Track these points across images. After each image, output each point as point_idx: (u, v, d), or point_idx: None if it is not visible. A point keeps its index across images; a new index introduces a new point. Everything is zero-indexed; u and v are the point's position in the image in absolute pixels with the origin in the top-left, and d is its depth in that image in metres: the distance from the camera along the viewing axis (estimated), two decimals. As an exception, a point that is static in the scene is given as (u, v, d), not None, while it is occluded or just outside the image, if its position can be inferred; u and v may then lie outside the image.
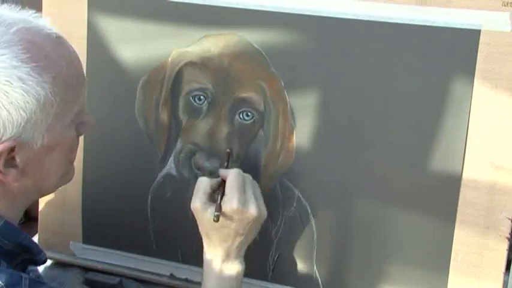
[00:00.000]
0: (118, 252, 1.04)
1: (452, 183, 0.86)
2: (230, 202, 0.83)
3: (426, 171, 0.87)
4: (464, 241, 0.86)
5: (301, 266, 0.95)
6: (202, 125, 0.95)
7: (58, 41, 0.73)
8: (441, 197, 0.86)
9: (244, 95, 0.92)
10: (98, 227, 1.04)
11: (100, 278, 1.03)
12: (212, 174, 0.94)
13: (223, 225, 0.83)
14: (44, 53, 0.70)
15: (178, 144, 0.97)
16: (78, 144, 0.80)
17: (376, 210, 0.90)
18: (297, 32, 0.89)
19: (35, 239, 1.08)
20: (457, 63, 0.83)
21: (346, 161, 0.90)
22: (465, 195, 0.85)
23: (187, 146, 0.96)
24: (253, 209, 0.83)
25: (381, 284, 0.92)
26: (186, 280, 1.01)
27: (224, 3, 0.91)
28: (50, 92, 0.69)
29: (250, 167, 0.94)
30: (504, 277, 0.86)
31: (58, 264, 1.07)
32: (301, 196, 0.93)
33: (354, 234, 0.92)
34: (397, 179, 0.88)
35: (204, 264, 0.87)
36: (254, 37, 0.90)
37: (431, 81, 0.84)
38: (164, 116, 0.97)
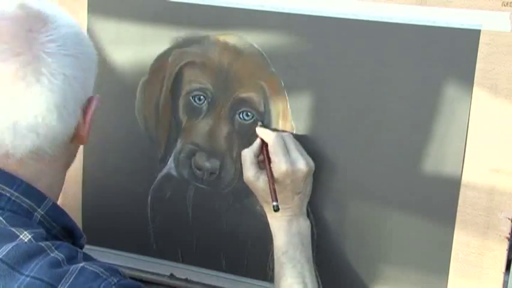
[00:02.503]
0: (118, 252, 1.04)
1: (452, 183, 0.85)
2: (278, 167, 0.85)
3: (426, 171, 0.87)
4: (464, 241, 0.86)
5: (301, 266, 0.95)
6: (202, 125, 0.95)
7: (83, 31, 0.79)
8: (441, 197, 0.86)
9: (244, 95, 0.92)
10: (98, 227, 1.04)
11: (100, 278, 1.03)
12: (212, 174, 0.94)
13: (279, 190, 0.85)
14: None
15: (178, 144, 0.97)
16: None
17: (376, 210, 0.90)
18: (297, 32, 0.89)
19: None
20: (457, 63, 0.83)
21: (345, 161, 0.90)
22: (465, 195, 0.85)
23: (187, 146, 0.96)
24: (303, 166, 0.86)
25: (381, 284, 0.92)
26: (186, 280, 1.01)
27: (224, 3, 0.91)
28: (75, 79, 0.71)
29: (250, 167, 0.94)
30: (504, 277, 0.86)
31: (58, 264, 1.07)
32: (301, 196, 0.93)
33: (354, 234, 0.92)
34: (397, 179, 0.88)
35: (270, 228, 0.89)
36: (254, 37, 0.90)
37: (431, 81, 0.84)
38: (164, 116, 0.97)
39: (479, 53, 0.81)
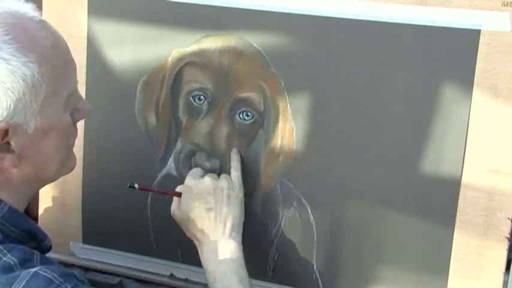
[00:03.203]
0: (118, 252, 1.04)
1: (452, 183, 0.85)
2: (185, 183, 0.90)
3: (426, 171, 0.87)
4: (464, 241, 0.86)
5: (301, 266, 0.95)
6: (202, 125, 0.95)
7: (41, 24, 0.74)
8: (441, 197, 0.86)
9: (244, 95, 0.92)
10: (98, 227, 1.04)
11: (100, 278, 1.03)
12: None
13: (191, 209, 0.88)
14: (27, 34, 0.71)
15: (178, 144, 0.97)
16: (75, 132, 0.80)
17: (376, 211, 0.90)
18: (297, 32, 0.89)
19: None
20: (457, 63, 0.83)
21: (346, 161, 0.90)
22: (465, 195, 0.85)
23: (187, 146, 0.96)
24: (208, 180, 0.88)
25: (382, 284, 0.92)
26: (186, 280, 1.01)
27: (224, 3, 0.91)
28: (36, 72, 0.70)
29: (250, 167, 0.94)
30: (504, 277, 0.86)
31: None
32: (301, 196, 0.93)
33: (354, 234, 0.92)
34: (397, 179, 0.88)
35: (202, 263, 0.88)
36: (254, 37, 0.90)
37: (431, 81, 0.84)
38: (164, 116, 0.97)
39: (479, 53, 0.81)
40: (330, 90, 0.89)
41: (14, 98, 0.69)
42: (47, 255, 0.77)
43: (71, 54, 0.77)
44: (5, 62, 0.68)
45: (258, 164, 0.94)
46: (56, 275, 0.67)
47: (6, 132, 0.70)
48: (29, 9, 0.74)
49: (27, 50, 0.70)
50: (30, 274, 0.66)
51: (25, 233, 0.75)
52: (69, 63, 0.76)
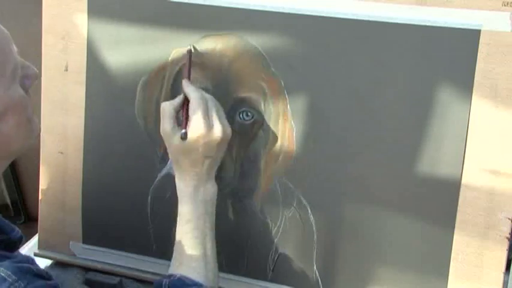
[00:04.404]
0: (118, 252, 1.04)
1: (452, 183, 0.86)
2: (195, 126, 0.84)
3: (426, 171, 0.87)
4: (464, 241, 0.86)
5: (301, 266, 0.95)
6: (202, 125, 0.95)
7: None
8: (441, 197, 0.86)
9: (244, 95, 0.92)
10: (98, 227, 1.04)
11: (100, 278, 1.03)
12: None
13: (191, 150, 0.85)
14: None
15: (178, 144, 0.97)
16: (30, 99, 0.78)
17: (376, 211, 0.90)
18: (297, 32, 0.89)
19: (35, 238, 1.09)
20: (457, 63, 0.83)
21: (345, 161, 0.90)
22: (465, 195, 0.85)
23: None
24: (219, 131, 0.85)
25: (381, 284, 0.92)
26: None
27: (224, 3, 0.91)
28: None
29: (250, 167, 0.94)
30: (504, 277, 0.86)
31: (58, 264, 1.07)
32: (301, 196, 0.93)
33: (354, 234, 0.92)
34: (397, 179, 0.88)
35: (177, 191, 0.88)
36: (254, 37, 0.90)
37: (431, 81, 0.84)
38: (164, 116, 0.97)
39: (479, 53, 0.81)
40: (330, 90, 0.89)
41: None
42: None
43: (2, 28, 0.74)
44: None
45: (258, 164, 0.94)
46: (10, 272, 0.66)
47: None
48: None
49: None
50: None
51: None
52: (4, 38, 0.73)
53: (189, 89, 0.88)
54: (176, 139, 0.85)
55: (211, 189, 0.88)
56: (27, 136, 0.77)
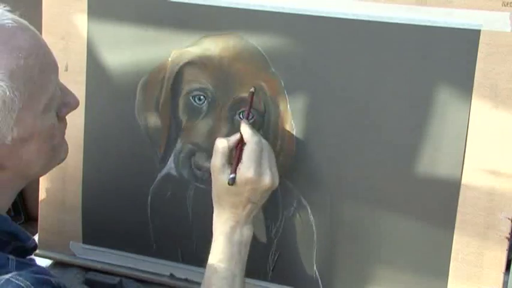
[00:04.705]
0: (118, 252, 1.04)
1: (452, 183, 0.86)
2: (246, 171, 0.83)
3: (426, 171, 0.87)
4: (464, 241, 0.86)
5: (301, 266, 0.95)
6: (202, 125, 0.95)
7: (12, 32, 0.70)
8: (441, 197, 0.86)
9: (244, 95, 0.92)
10: (98, 227, 1.04)
11: (100, 278, 1.03)
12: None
13: (236, 193, 0.84)
14: None
15: (178, 144, 0.97)
16: (62, 127, 0.79)
17: (376, 211, 0.90)
18: (297, 32, 0.89)
19: (35, 238, 1.09)
20: (457, 63, 0.83)
21: (345, 161, 0.90)
22: (465, 195, 0.85)
23: (187, 146, 0.96)
24: (268, 180, 0.84)
25: (381, 284, 0.92)
26: (186, 280, 1.01)
27: (224, 3, 0.91)
28: (8, 89, 0.68)
29: (250, 167, 0.94)
30: (504, 277, 0.86)
31: (58, 264, 1.07)
32: (301, 196, 0.93)
33: (354, 234, 0.92)
34: (397, 179, 0.88)
35: (213, 229, 0.87)
36: (254, 37, 0.90)
37: (431, 82, 0.84)
38: (164, 116, 0.97)
39: (479, 53, 0.81)
40: (330, 90, 0.89)
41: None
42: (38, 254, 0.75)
43: (50, 56, 0.75)
44: None
45: (258, 164, 0.94)
46: (29, 283, 0.65)
47: None
48: (1, 14, 0.70)
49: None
50: (2, 281, 0.64)
51: (8, 234, 0.75)
52: (47, 68, 0.74)
53: (247, 132, 0.86)
54: (224, 177, 0.84)
55: (247, 232, 0.87)
56: (48, 163, 0.79)
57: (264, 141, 0.87)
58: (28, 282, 0.66)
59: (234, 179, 0.83)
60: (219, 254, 0.86)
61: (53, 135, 0.77)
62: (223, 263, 0.85)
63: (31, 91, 0.71)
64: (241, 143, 0.87)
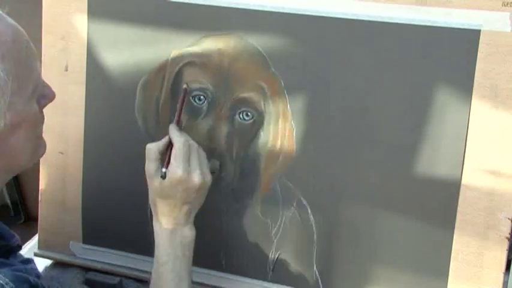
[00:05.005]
0: (118, 252, 1.04)
1: (453, 183, 0.86)
2: (175, 171, 0.84)
3: (426, 171, 0.87)
4: (464, 241, 0.86)
5: (301, 266, 0.95)
6: (202, 125, 0.95)
7: None
8: (441, 197, 0.86)
9: (244, 95, 0.92)
10: (98, 227, 1.04)
11: (100, 278, 1.03)
12: (212, 174, 0.94)
13: (169, 195, 0.85)
14: None
15: (178, 144, 0.97)
16: (43, 119, 0.79)
17: (376, 211, 0.90)
18: (297, 32, 0.89)
19: (35, 238, 1.09)
20: (457, 63, 0.83)
21: (346, 161, 0.90)
22: (465, 195, 0.85)
23: (187, 146, 0.96)
24: (197, 178, 0.84)
25: (381, 284, 0.92)
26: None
27: (224, 3, 0.91)
28: (2, 71, 0.68)
29: (250, 167, 0.94)
30: (504, 277, 0.86)
31: (58, 264, 1.07)
32: (301, 196, 0.93)
33: (354, 234, 0.92)
34: (397, 179, 0.88)
35: (154, 235, 0.87)
36: (254, 37, 0.90)
37: (431, 82, 0.84)
38: (164, 116, 0.97)
39: (479, 53, 0.81)
40: (330, 90, 0.89)
41: None
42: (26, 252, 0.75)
43: (31, 45, 0.75)
44: None
45: (258, 164, 0.94)
46: (8, 280, 0.66)
47: None
48: None
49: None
50: None
51: None
52: (31, 54, 0.74)
53: (174, 134, 0.87)
54: (156, 181, 0.85)
55: (188, 232, 0.87)
56: (33, 153, 0.79)
57: (191, 141, 0.87)
58: (8, 280, 0.66)
59: (165, 173, 0.84)
60: (162, 257, 0.86)
61: (37, 123, 0.77)
62: (168, 265, 0.85)
63: (21, 75, 0.71)
64: (171, 146, 0.87)
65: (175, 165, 0.84)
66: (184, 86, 0.92)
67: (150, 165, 0.86)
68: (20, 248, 0.82)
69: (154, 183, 0.85)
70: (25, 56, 0.72)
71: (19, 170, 0.80)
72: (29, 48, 0.74)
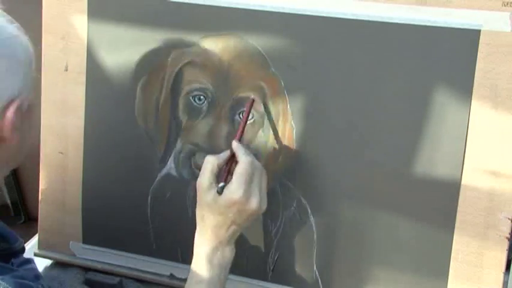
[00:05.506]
0: (118, 252, 1.04)
1: (452, 183, 0.86)
2: (235, 192, 0.81)
3: (426, 171, 0.87)
4: (464, 241, 0.86)
5: (301, 266, 0.95)
6: (202, 125, 0.95)
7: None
8: (441, 197, 0.86)
9: (244, 95, 0.92)
10: (98, 227, 1.04)
11: (100, 278, 1.03)
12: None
13: (221, 212, 0.82)
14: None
15: (178, 144, 0.97)
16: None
17: (376, 211, 0.90)
18: (297, 32, 0.89)
19: (35, 238, 1.09)
20: (457, 63, 0.83)
21: (346, 161, 0.90)
22: (465, 195, 0.85)
23: (187, 146, 0.96)
24: (255, 204, 0.82)
25: (381, 284, 0.92)
26: (186, 280, 1.01)
27: (224, 3, 0.91)
28: (31, 47, 0.71)
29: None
30: (504, 277, 0.86)
31: (58, 264, 1.07)
32: (301, 196, 0.93)
33: (354, 234, 0.92)
34: (397, 179, 0.88)
35: (194, 248, 0.85)
36: (254, 37, 0.90)
37: (431, 82, 0.84)
38: (164, 116, 0.97)
39: (479, 53, 0.81)
40: (330, 90, 0.89)
41: (27, 71, 0.70)
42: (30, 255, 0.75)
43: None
44: (16, 38, 0.69)
45: (258, 164, 0.94)
46: None
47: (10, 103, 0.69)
48: None
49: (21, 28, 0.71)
50: None
51: None
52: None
53: (240, 151, 0.85)
54: (210, 195, 0.82)
55: (229, 253, 0.85)
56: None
57: (257, 163, 0.85)
58: (10, 287, 0.66)
59: (222, 188, 0.82)
60: (198, 275, 0.84)
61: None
62: (202, 284, 0.83)
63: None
64: (231, 161, 0.85)
65: (236, 185, 0.81)
66: (252, 97, 0.90)
67: (205, 178, 0.83)
68: (23, 250, 0.82)
69: (207, 197, 0.82)
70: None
71: (16, 165, 0.79)
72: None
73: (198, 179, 0.84)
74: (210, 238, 0.84)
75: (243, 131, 0.89)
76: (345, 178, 0.90)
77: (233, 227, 0.83)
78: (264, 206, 0.84)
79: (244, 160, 0.83)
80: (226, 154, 0.86)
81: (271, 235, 0.95)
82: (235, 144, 0.86)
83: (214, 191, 0.82)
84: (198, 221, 0.85)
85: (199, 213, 0.85)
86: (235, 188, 0.81)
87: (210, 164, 0.84)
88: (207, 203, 0.83)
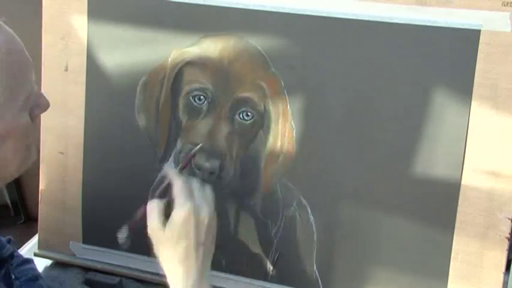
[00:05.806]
0: (118, 252, 1.04)
1: (452, 183, 0.86)
2: (182, 207, 0.79)
3: (426, 171, 0.87)
4: (464, 241, 0.86)
5: (301, 266, 0.95)
6: (202, 125, 0.95)
7: None
8: (441, 197, 0.86)
9: (244, 95, 0.92)
10: (98, 227, 1.04)
11: (100, 278, 1.03)
12: (212, 174, 0.94)
13: (181, 236, 0.79)
14: None
15: (178, 144, 0.97)
16: (35, 128, 0.79)
17: (376, 211, 0.90)
18: (297, 32, 0.89)
19: (35, 238, 1.09)
20: (457, 63, 0.83)
21: (346, 161, 0.90)
22: (465, 195, 0.85)
23: (187, 146, 0.96)
24: (206, 212, 0.80)
25: (381, 284, 0.92)
26: (186, 280, 1.01)
27: (224, 3, 0.91)
28: None
29: (250, 167, 0.94)
30: (504, 277, 0.86)
31: (58, 264, 1.07)
32: (301, 196, 0.93)
33: (354, 234, 0.92)
34: (397, 179, 0.88)
35: None
36: (254, 37, 0.90)
37: (431, 82, 0.84)
38: (164, 116, 0.97)
39: (479, 53, 0.81)
40: (330, 90, 0.89)
41: None
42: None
43: (26, 55, 0.74)
44: None
45: (258, 164, 0.94)
46: None
47: None
48: None
49: None
50: None
51: None
52: (25, 66, 0.73)
53: (171, 173, 0.84)
54: (163, 229, 0.80)
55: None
56: (23, 163, 0.77)
57: (192, 178, 0.84)
58: None
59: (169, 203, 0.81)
60: None
61: (27, 134, 0.76)
62: None
63: (12, 87, 0.70)
64: (170, 188, 0.84)
65: (180, 201, 0.80)
66: (193, 151, 0.90)
67: (155, 221, 0.81)
68: (12, 257, 0.81)
69: (163, 233, 0.80)
70: (17, 68, 0.72)
71: (9, 179, 0.80)
72: (23, 58, 0.73)
73: (149, 225, 0.82)
74: (180, 275, 0.80)
75: (187, 164, 0.88)
76: (345, 178, 0.90)
77: (201, 250, 0.80)
78: (215, 214, 0.82)
79: (177, 179, 0.83)
80: (162, 186, 0.85)
81: (271, 235, 0.95)
82: (165, 167, 0.86)
83: (165, 225, 0.80)
84: (166, 266, 0.81)
85: (163, 256, 0.81)
86: (180, 204, 0.80)
87: (154, 206, 0.82)
88: (166, 238, 0.80)
